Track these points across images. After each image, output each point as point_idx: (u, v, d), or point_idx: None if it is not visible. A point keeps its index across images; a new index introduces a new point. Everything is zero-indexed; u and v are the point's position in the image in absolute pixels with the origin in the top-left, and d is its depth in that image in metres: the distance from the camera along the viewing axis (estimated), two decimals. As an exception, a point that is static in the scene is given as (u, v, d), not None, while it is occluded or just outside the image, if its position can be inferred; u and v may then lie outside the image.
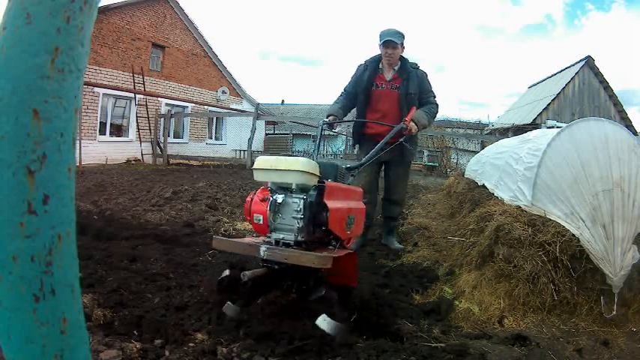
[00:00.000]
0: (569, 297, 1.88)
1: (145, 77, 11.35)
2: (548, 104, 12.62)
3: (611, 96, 13.00)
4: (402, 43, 2.96)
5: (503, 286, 1.99)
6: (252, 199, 1.72)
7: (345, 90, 3.14)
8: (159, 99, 11.92)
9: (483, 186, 3.67)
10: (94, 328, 1.56)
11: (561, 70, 14.33)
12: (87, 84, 9.17)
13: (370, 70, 3.06)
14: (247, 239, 1.78)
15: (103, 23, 10.01)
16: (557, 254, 1.89)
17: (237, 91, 15.17)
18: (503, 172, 3.05)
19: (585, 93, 12.90)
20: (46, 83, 0.52)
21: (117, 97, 10.79)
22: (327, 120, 2.84)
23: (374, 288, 2.15)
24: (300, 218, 1.59)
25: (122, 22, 10.67)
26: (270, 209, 1.62)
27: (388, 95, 3.03)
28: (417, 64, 3.06)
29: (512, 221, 2.13)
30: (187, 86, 13.04)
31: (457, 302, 2.04)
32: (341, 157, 12.67)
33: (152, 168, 9.54)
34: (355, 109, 3.19)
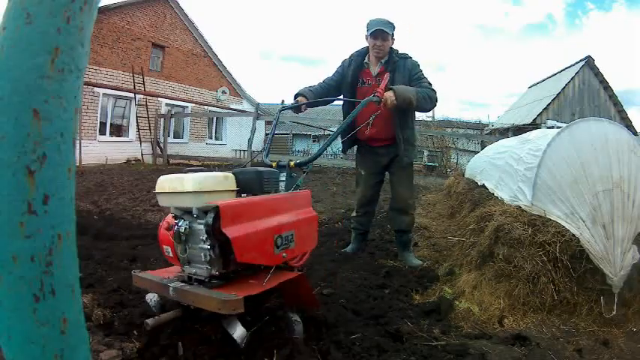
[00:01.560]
0: (569, 297, 1.88)
1: (145, 77, 11.34)
2: (548, 104, 12.62)
3: (611, 96, 13.00)
4: (393, 35, 2.59)
5: (503, 286, 1.99)
6: (160, 227, 1.47)
7: (324, 80, 2.72)
8: (159, 99, 11.91)
9: (483, 186, 3.66)
10: (94, 328, 1.56)
11: (561, 70, 14.33)
12: (87, 84, 9.17)
13: (355, 65, 2.66)
14: (168, 271, 1.54)
15: (103, 23, 10.01)
16: (557, 254, 1.89)
17: (237, 91, 15.17)
18: (503, 172, 3.04)
19: (585, 93, 12.90)
20: (46, 83, 0.52)
21: (117, 97, 10.78)
22: (294, 101, 2.47)
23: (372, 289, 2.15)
24: (208, 249, 1.30)
25: (122, 22, 10.66)
26: (175, 239, 1.37)
27: None
28: (406, 54, 2.63)
29: (512, 221, 2.13)
30: (187, 86, 13.03)
31: (457, 302, 2.04)
32: (341, 157, 12.66)
33: (152, 168, 9.54)
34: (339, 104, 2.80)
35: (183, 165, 10.84)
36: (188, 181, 1.32)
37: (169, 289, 1.33)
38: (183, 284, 1.35)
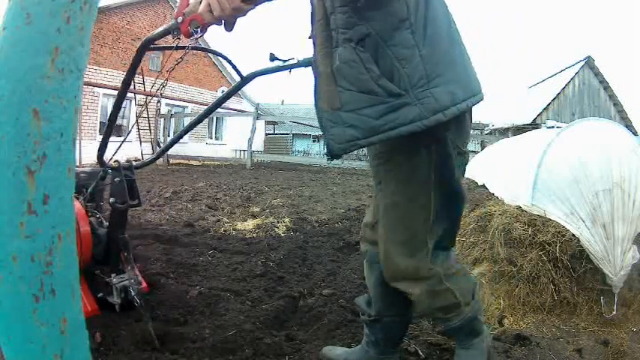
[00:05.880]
0: (569, 297, 1.88)
1: (145, 77, 11.35)
2: (548, 104, 12.64)
3: (611, 96, 13.02)
4: None
5: (503, 286, 1.99)
6: None
7: None
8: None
9: (483, 186, 3.66)
10: (94, 328, 1.56)
11: (561, 70, 14.35)
12: (87, 84, 9.17)
13: None
14: None
15: (103, 23, 10.02)
16: (557, 254, 1.89)
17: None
18: (503, 172, 3.04)
19: (585, 93, 12.92)
20: (46, 83, 0.52)
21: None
22: None
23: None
24: None
25: (122, 22, 10.67)
26: None
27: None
28: None
29: (512, 221, 2.13)
30: (187, 86, 13.05)
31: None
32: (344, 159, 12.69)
33: (152, 168, 9.54)
34: None
35: (184, 165, 10.85)
36: None
37: None
38: None
